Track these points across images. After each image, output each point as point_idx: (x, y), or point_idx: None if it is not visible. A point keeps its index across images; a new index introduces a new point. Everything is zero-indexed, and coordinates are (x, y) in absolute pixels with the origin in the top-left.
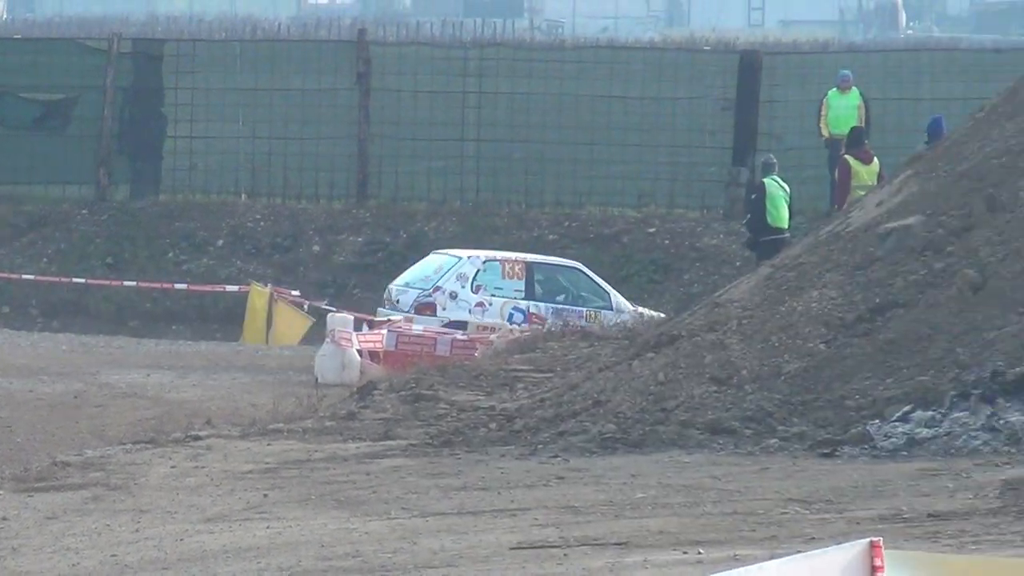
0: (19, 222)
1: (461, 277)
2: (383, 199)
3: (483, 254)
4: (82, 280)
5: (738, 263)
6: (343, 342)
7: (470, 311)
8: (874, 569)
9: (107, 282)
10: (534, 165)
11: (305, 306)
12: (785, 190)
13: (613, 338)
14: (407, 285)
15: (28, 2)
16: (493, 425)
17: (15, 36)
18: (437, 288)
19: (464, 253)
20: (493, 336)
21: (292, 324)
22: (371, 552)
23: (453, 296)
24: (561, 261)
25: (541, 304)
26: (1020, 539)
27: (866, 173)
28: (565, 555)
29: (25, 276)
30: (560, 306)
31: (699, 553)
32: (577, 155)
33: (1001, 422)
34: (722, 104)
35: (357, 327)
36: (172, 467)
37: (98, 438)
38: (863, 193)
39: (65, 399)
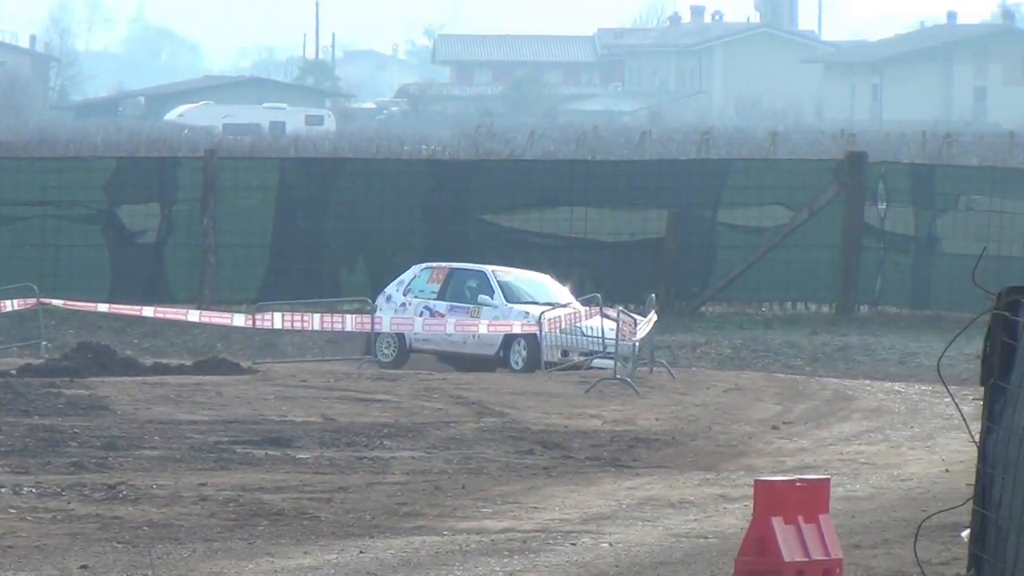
0: None
1: (400, 282)
2: None
3: (430, 264)
4: None
5: None
6: None
7: (395, 310)
8: None
9: None
10: None
11: None
12: None
13: None
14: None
15: None
16: None
17: None
18: (383, 291)
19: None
20: None
21: None
22: None
23: (388, 298)
24: (472, 266)
25: (443, 303)
26: None
27: None
28: None
29: None
30: (455, 304)
31: None
32: None
33: None
34: None
35: None
36: None
37: None
38: None
39: None
